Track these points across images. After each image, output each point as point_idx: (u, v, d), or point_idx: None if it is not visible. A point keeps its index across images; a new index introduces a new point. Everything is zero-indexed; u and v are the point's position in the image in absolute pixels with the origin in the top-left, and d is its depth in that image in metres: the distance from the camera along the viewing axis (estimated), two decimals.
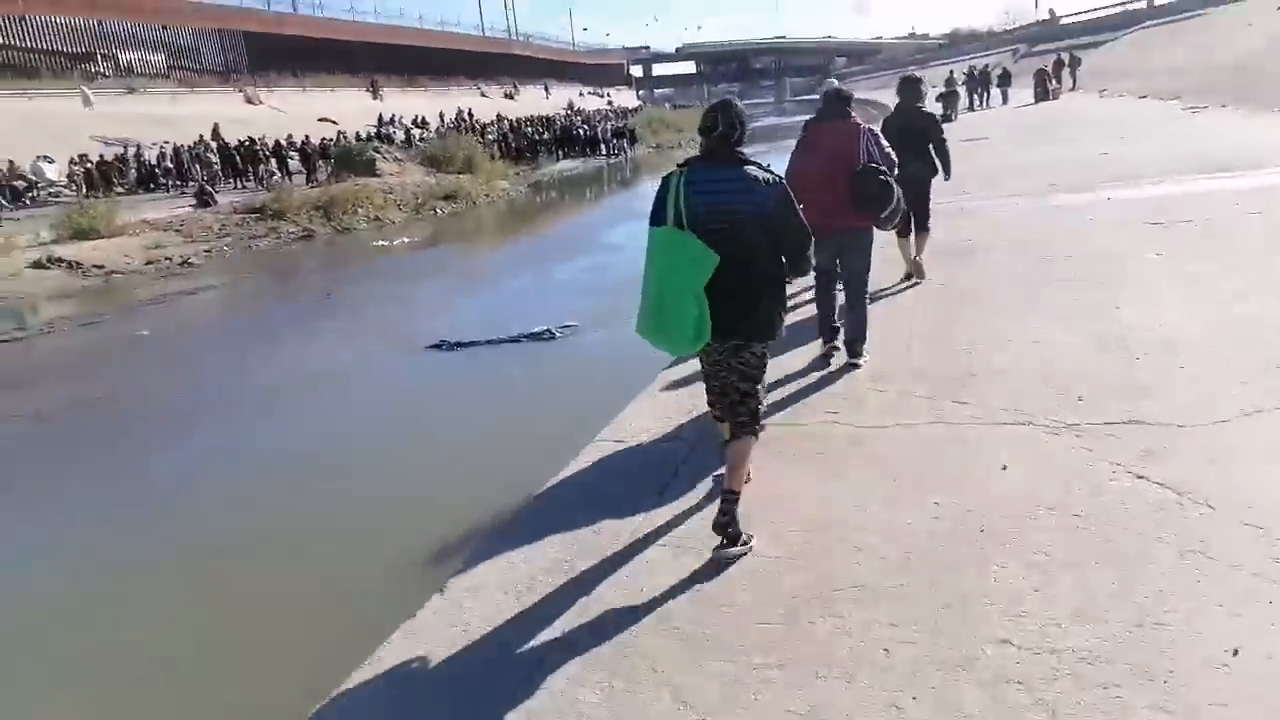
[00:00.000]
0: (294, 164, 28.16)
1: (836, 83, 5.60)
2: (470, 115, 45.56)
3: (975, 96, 31.04)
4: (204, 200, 22.43)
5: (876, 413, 4.62)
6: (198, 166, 27.90)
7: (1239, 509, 3.23)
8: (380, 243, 17.60)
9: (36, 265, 15.87)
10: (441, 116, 43.96)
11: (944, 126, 7.48)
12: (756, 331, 3.37)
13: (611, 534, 3.68)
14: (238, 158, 27.08)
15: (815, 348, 5.60)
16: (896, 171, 5.15)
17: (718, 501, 3.41)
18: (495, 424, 7.12)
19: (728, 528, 3.33)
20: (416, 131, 39.60)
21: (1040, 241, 8.19)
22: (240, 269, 16.18)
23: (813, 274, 5.00)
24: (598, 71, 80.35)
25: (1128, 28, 43.53)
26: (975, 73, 31.41)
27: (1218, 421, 3.97)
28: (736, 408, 3.50)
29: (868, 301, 5.37)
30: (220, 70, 43.50)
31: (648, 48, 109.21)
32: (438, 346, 9.40)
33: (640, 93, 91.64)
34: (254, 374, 9.36)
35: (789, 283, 3.46)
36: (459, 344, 9.39)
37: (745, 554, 3.36)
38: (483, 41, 62.08)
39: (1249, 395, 4.19)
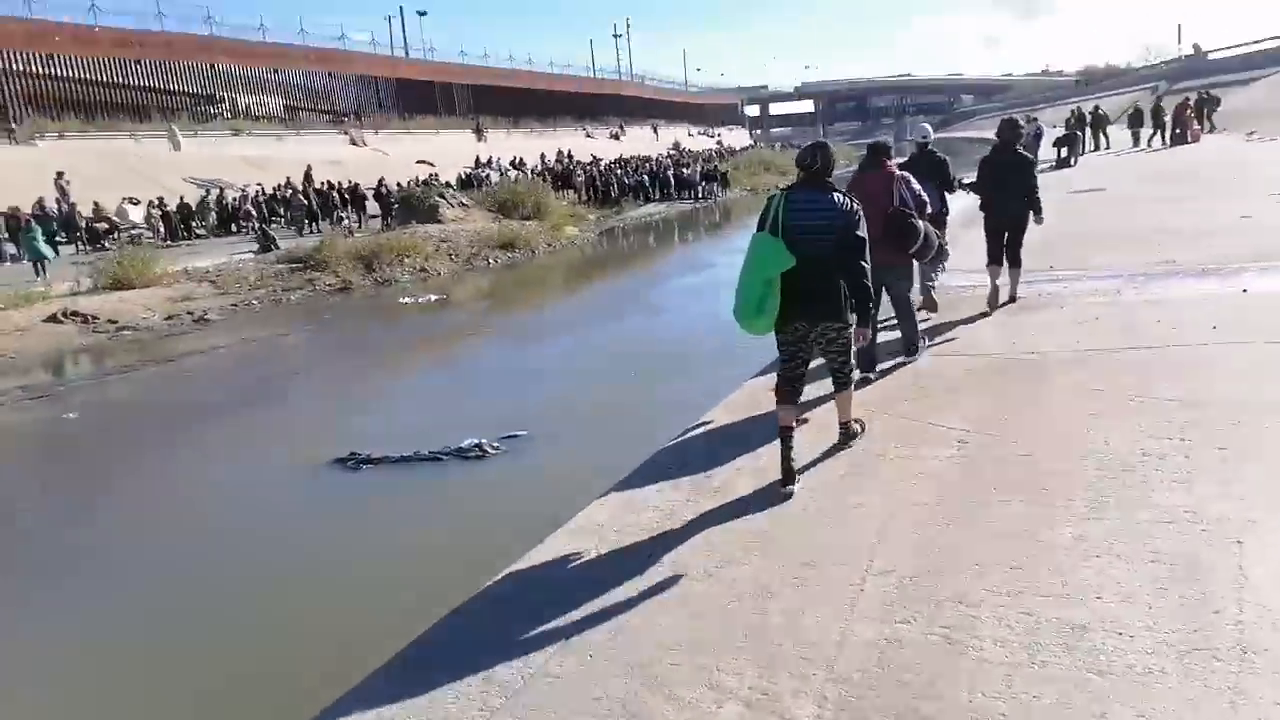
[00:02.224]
0: (373, 207, 27.29)
1: (929, 128, 7.52)
2: (570, 156, 44.47)
3: (1093, 139, 27.33)
4: (265, 245, 21.58)
5: None
6: (283, 209, 27.38)
7: None
8: (405, 300, 15.98)
9: (52, 319, 14.96)
10: (543, 157, 43.04)
11: (1064, 172, 8.62)
12: (830, 315, 4.29)
13: None
14: (314, 202, 26.31)
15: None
16: (929, 210, 5.91)
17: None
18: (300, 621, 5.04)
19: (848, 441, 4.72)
20: (513, 173, 38.66)
21: (1131, 369, 5.51)
22: (256, 327, 14.79)
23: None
24: (711, 111, 78.67)
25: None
26: (1087, 114, 27.67)
27: None
28: (840, 371, 4.56)
29: (912, 310, 6.24)
30: (330, 112, 43.97)
31: (765, 87, 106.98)
32: (343, 462, 7.42)
33: (756, 132, 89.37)
34: (95, 500, 7.51)
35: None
36: (368, 460, 7.38)
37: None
38: (591, 82, 61.38)
39: None
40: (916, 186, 5.76)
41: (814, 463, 4.62)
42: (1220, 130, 27.90)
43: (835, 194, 4.19)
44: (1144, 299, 7.33)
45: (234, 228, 26.30)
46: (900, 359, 6.19)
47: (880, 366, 6.01)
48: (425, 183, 26.50)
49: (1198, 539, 3.34)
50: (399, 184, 28.40)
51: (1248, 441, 4.15)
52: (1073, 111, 28.19)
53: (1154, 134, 26.46)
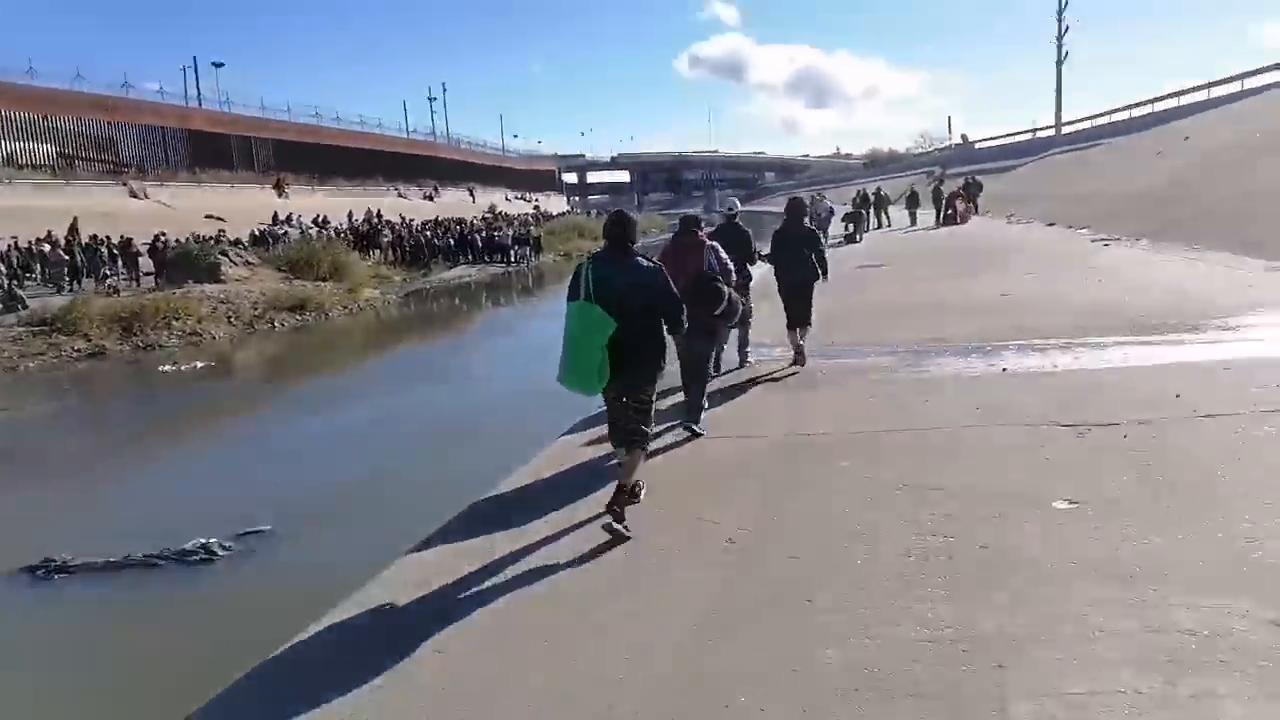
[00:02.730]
0: (149, 264, 24.80)
1: (737, 202, 8.61)
2: (379, 216, 42.93)
3: (875, 218, 29.26)
4: (10, 305, 18.98)
5: None
6: (39, 265, 24.38)
7: None
8: (167, 368, 14.30)
9: None
10: (350, 215, 41.26)
11: (849, 248, 9.77)
12: (638, 380, 4.52)
13: None
14: (78, 257, 23.59)
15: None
16: (734, 278, 6.23)
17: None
18: None
19: (615, 508, 4.46)
20: (314, 231, 36.76)
21: (900, 453, 5.35)
22: None
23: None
24: (529, 177, 78.94)
25: (1038, 154, 43.10)
26: (871, 195, 29.68)
27: None
28: (631, 432, 4.61)
29: (706, 381, 6.42)
30: (112, 162, 40.32)
31: (583, 155, 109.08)
32: (37, 570, 6.15)
33: (574, 199, 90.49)
34: None
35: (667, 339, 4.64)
36: (65, 568, 6.14)
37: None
38: (404, 143, 60.02)
39: None
40: (724, 255, 6.14)
41: (581, 561, 4.10)
42: (985, 212, 30.57)
43: (638, 257, 4.48)
44: (916, 377, 7.37)
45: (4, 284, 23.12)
46: (681, 433, 6.15)
47: (658, 444, 5.73)
48: (206, 239, 24.38)
49: (958, 663, 3.01)
50: (179, 240, 26.10)
51: (1008, 539, 3.96)
52: (858, 192, 30.07)
53: (938, 213, 28.52)
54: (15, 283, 21.63)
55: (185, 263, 21.30)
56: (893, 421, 6.02)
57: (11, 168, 34.84)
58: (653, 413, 4.69)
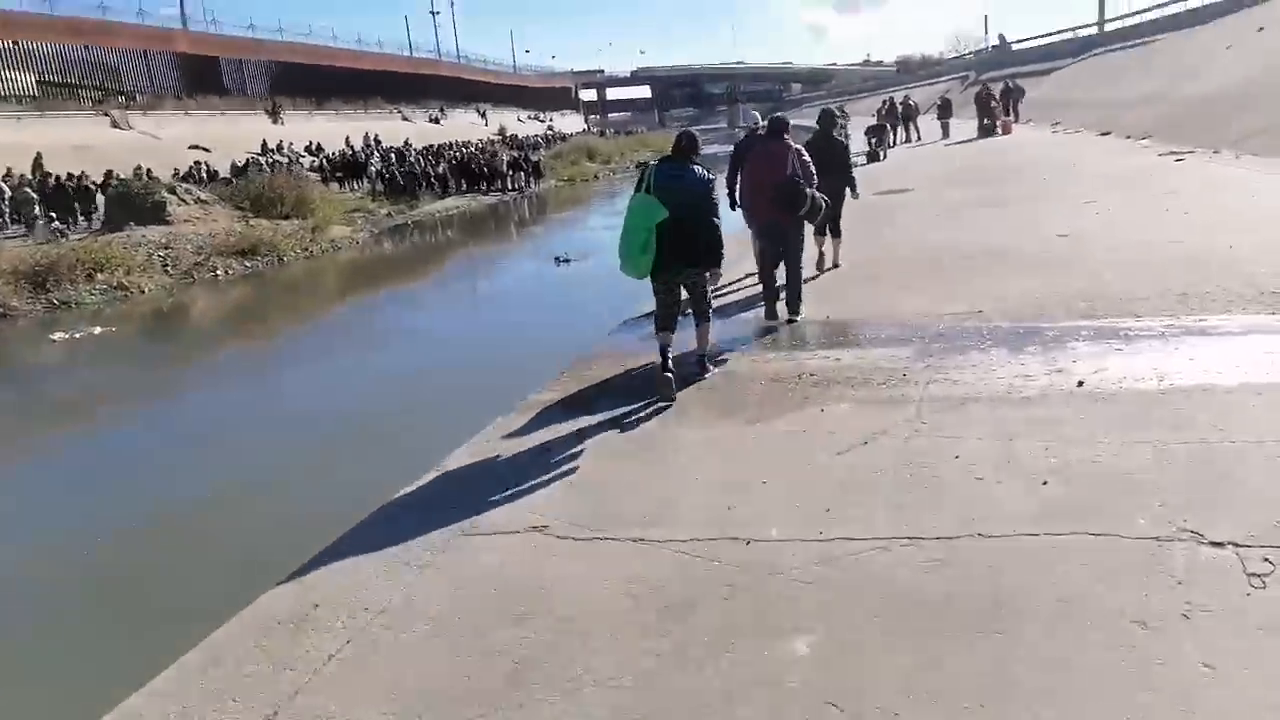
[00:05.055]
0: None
1: (758, 116, 8.89)
2: (377, 142, 40.09)
3: (904, 130, 25.82)
4: None
5: None
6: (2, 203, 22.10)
7: None
8: (58, 335, 11.95)
9: None
10: (347, 142, 38.48)
11: (871, 168, 11.15)
12: (692, 262, 5.16)
13: None
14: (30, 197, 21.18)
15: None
16: (815, 181, 6.47)
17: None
18: None
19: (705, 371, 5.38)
20: (307, 159, 34.11)
21: (903, 618, 2.79)
22: None
23: (755, 256, 7.05)
24: (543, 95, 74.70)
25: (1082, 54, 38.67)
26: (898, 105, 26.12)
27: None
28: (700, 304, 5.37)
29: (802, 274, 6.70)
30: (99, 89, 37.68)
31: (601, 71, 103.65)
32: None
33: (592, 118, 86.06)
34: None
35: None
36: None
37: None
38: (408, 62, 56.22)
39: None
40: (806, 158, 6.49)
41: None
42: (1027, 120, 26.99)
43: (696, 166, 5.17)
44: (935, 394, 4.70)
45: None
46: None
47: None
48: (148, 175, 21.76)
49: None
50: (145, 173, 23.59)
51: None
52: (884, 101, 26.56)
53: (980, 123, 24.95)
54: None
55: (126, 204, 18.78)
56: (888, 518, 3.40)
57: None
58: (709, 289, 5.42)
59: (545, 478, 4.19)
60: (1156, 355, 4.89)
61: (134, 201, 18.74)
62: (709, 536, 3.37)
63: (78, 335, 12.02)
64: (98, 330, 12.23)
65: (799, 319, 6.52)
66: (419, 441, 5.64)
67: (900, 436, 4.17)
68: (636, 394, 5.28)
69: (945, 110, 26.46)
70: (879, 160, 20.64)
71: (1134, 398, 4.33)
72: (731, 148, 8.02)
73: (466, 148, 38.23)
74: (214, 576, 4.61)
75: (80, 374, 10.45)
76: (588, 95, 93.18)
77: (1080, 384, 4.56)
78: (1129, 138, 18.55)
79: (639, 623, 2.86)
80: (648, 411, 4.96)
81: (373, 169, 30.47)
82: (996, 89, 26.96)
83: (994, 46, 53.73)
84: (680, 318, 5.37)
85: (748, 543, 3.31)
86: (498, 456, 4.55)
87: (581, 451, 4.49)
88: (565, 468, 4.28)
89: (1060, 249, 8.06)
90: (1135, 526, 3.12)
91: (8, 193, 21.13)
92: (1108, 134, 20.14)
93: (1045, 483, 3.51)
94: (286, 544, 4.12)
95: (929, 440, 4.09)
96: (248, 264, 17.37)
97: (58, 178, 23.29)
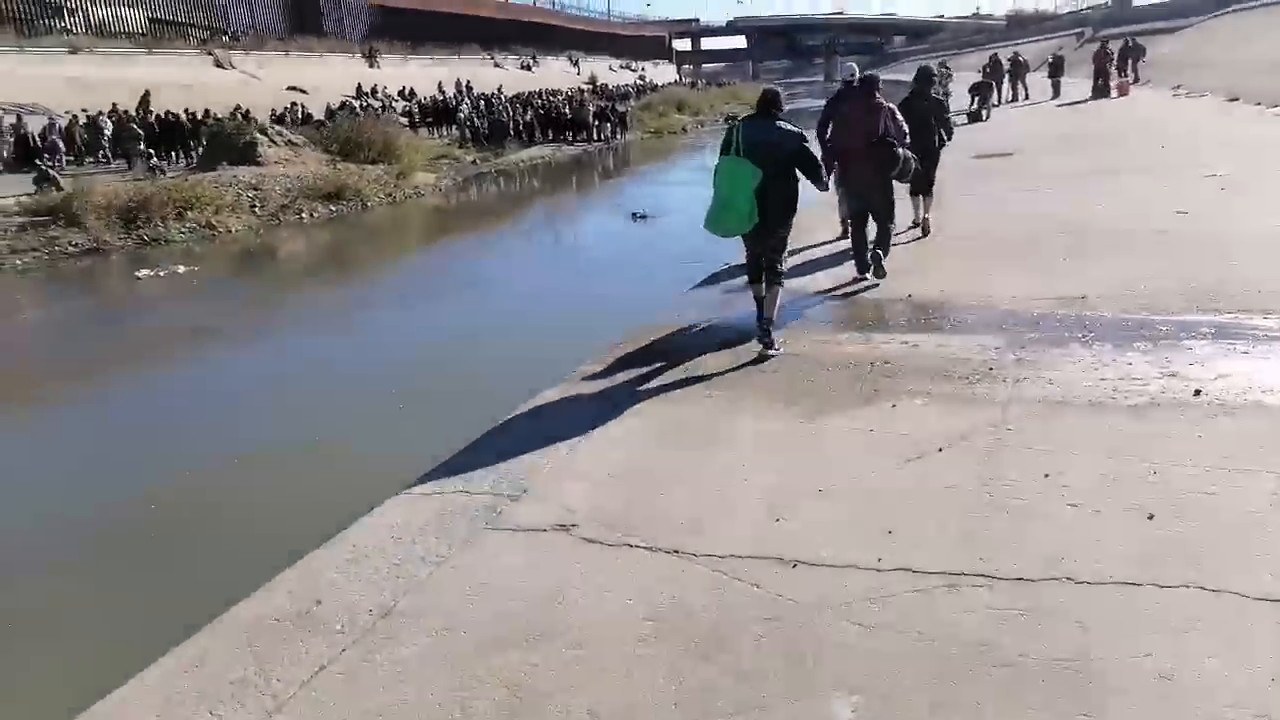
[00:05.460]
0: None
1: (855, 68, 7.31)
2: (469, 88, 40.03)
3: (1011, 89, 24.21)
4: (43, 184, 17.31)
5: None
6: (104, 139, 22.82)
7: None
8: (144, 273, 12.14)
9: None
10: (440, 87, 38.51)
11: (972, 129, 12.11)
12: (774, 221, 5.03)
13: None
14: (132, 134, 21.74)
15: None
16: (908, 140, 6.35)
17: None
18: None
19: (766, 338, 5.11)
20: (400, 104, 34.21)
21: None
22: None
23: (846, 217, 7.20)
24: (636, 44, 73.29)
25: (1212, 11, 35.58)
26: (1005, 61, 24.42)
27: None
28: (773, 268, 5.19)
29: (892, 229, 6.64)
30: (207, 28, 38.52)
31: (697, 20, 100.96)
32: None
33: (687, 67, 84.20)
34: None
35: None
36: None
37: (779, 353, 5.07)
38: (502, 8, 55.76)
39: None
40: (900, 117, 6.32)
41: None
42: (1145, 82, 25.00)
43: (781, 122, 5.03)
44: (1026, 395, 4.15)
45: (38, 162, 21.72)
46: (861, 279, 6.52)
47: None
48: (245, 115, 22.05)
49: None
50: (236, 113, 23.98)
51: None
52: (991, 57, 24.92)
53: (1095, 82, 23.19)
54: (55, 160, 20.09)
55: (219, 144, 19.06)
56: (959, 548, 2.92)
57: (99, 36, 33.40)
58: (785, 252, 5.35)
59: (585, 463, 3.85)
60: None
61: (227, 141, 18.99)
62: (751, 554, 2.97)
63: (161, 273, 12.20)
64: (181, 270, 12.39)
65: (883, 279, 6.41)
66: (463, 408, 5.36)
67: (981, 444, 3.67)
68: (693, 370, 4.90)
69: (1057, 68, 24.65)
70: (981, 120, 19.39)
71: (1261, 414, 3.72)
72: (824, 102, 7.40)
73: (555, 96, 37.75)
74: (234, 546, 4.44)
75: (159, 312, 10.57)
76: (681, 45, 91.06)
77: (1197, 393, 3.95)
78: (1259, 104, 16.88)
79: (659, 659, 2.50)
80: (707, 393, 4.58)
81: (462, 115, 30.37)
82: (1115, 47, 24.98)
83: (1115, 1, 50.17)
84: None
85: (794, 565, 2.90)
86: (540, 432, 4.24)
87: (629, 434, 4.13)
88: (609, 453, 3.93)
89: (1178, 228, 7.23)
90: (1260, 583, 2.59)
91: (109, 128, 21.71)
92: (1236, 99, 18.40)
93: (1151, 516, 2.98)
94: (323, 508, 3.91)
95: (1014, 452, 3.58)
96: (333, 208, 17.43)
97: (158, 116, 23.91)
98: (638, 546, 3.10)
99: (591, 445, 4.06)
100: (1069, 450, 3.53)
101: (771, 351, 5.03)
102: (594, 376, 5.07)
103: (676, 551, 3.04)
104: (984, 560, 2.83)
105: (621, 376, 5.01)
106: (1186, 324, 4.89)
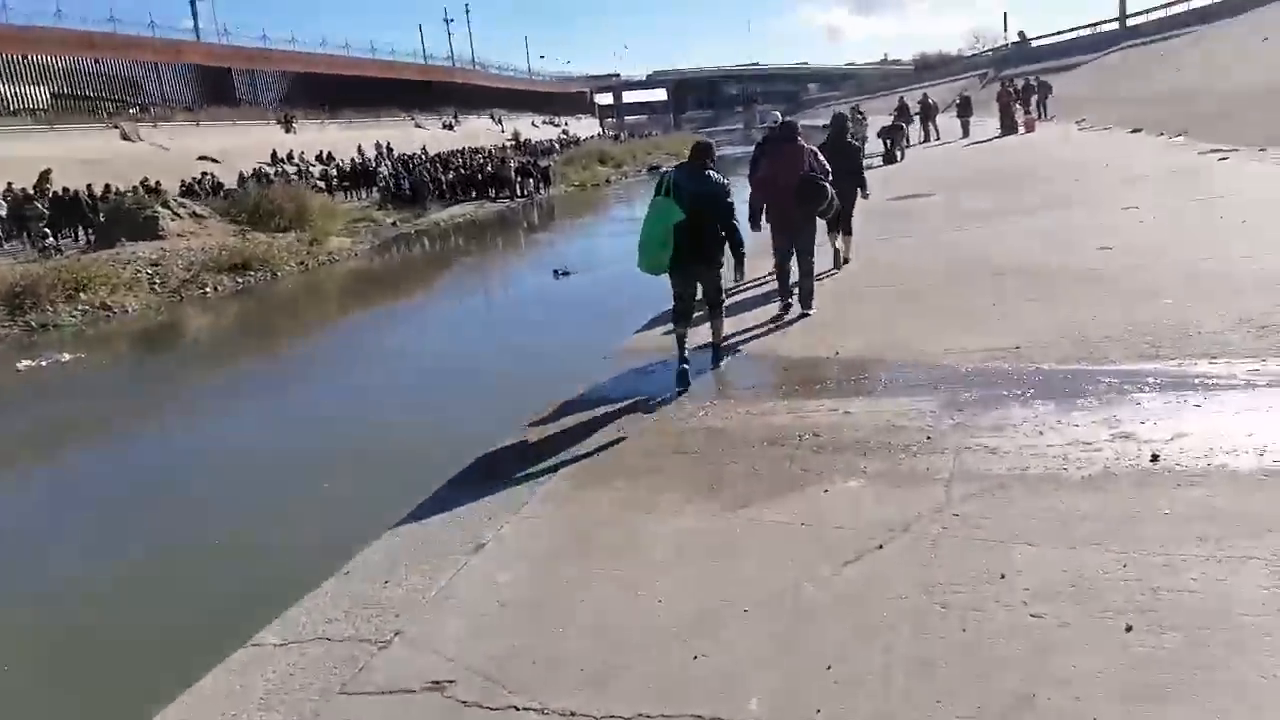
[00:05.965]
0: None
1: (779, 115, 9.08)
2: (389, 150, 39.57)
3: (922, 130, 24.71)
4: None
5: None
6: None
7: None
8: (24, 364, 11.15)
9: None
10: (360, 150, 37.81)
11: (888, 171, 11.84)
12: (707, 260, 5.47)
13: None
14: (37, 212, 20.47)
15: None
16: (830, 178, 6.66)
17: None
18: None
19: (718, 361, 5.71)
20: (318, 168, 33.37)
21: None
22: None
23: (773, 252, 6.98)
24: (558, 100, 73.79)
25: (1104, 49, 37.19)
26: (913, 103, 24.93)
27: None
28: (715, 305, 5.66)
29: (814, 271, 6.96)
30: (113, 101, 37.26)
31: (617, 75, 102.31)
32: None
33: (608, 121, 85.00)
34: None
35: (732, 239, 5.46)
36: None
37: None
38: (421, 69, 55.49)
39: None
40: (822, 158, 6.72)
41: None
42: (1052, 118, 25.74)
43: (711, 172, 5.42)
44: (970, 469, 3.71)
45: None
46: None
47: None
48: (153, 188, 21.08)
49: None
50: (138, 187, 22.95)
51: None
52: (900, 99, 25.39)
53: (1002, 121, 23.77)
54: None
55: (119, 219, 18.05)
56: (913, 686, 2.41)
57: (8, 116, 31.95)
58: (723, 285, 5.72)
59: (472, 589, 3.25)
60: (1247, 415, 3.85)
61: (127, 216, 18.05)
62: (662, 713, 2.40)
63: (44, 363, 11.21)
64: (66, 357, 11.40)
65: (812, 312, 6.72)
66: (346, 515, 4.71)
67: (926, 537, 3.18)
68: (605, 453, 4.35)
69: (965, 108, 25.25)
70: (895, 162, 19.56)
71: (1228, 481, 3.31)
72: (747, 149, 7.98)
73: (477, 154, 37.39)
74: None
75: (29, 411, 9.58)
76: (603, 99, 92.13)
77: (1155, 458, 3.54)
78: (1162, 135, 17.33)
79: None
80: (619, 482, 4.03)
81: (381, 177, 29.74)
82: (1018, 83, 25.74)
83: (1014, 43, 52.31)
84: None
85: None
86: (426, 546, 3.63)
87: (527, 545, 3.55)
88: (499, 574, 3.34)
89: (1103, 266, 7.01)
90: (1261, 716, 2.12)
91: (2, 209, 20.48)
92: (1138, 131, 18.91)
93: (1129, 628, 2.51)
94: (151, 671, 3.22)
95: (963, 544, 3.09)
96: (239, 280, 16.56)
97: (55, 193, 22.70)
98: (526, 709, 2.51)
99: (482, 562, 3.46)
100: (1024, 540, 3.07)
101: (721, 365, 5.69)
102: (494, 464, 4.54)
103: (572, 715, 2.45)
104: (944, 703, 2.31)
105: (525, 464, 4.45)
106: (1129, 374, 4.53)
